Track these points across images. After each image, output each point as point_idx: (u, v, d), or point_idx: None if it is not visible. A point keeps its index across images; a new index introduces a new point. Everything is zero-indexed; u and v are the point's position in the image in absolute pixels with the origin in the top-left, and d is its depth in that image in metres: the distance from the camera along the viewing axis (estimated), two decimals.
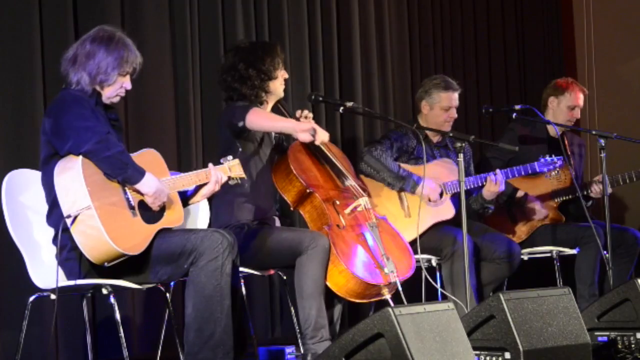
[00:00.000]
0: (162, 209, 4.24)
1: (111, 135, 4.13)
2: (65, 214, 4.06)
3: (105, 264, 4.12)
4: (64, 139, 4.10)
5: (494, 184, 5.72)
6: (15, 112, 5.02)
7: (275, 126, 4.90)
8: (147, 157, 4.34)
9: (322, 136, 4.87)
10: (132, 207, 4.14)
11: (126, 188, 4.14)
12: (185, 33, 5.76)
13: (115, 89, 4.33)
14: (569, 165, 6.08)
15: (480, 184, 5.76)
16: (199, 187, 4.45)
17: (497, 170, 5.76)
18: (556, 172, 5.89)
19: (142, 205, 4.18)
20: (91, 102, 4.24)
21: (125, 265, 4.15)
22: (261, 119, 4.84)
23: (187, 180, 4.36)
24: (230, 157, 4.52)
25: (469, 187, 5.75)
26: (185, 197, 4.46)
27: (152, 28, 5.54)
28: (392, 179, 5.68)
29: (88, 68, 4.24)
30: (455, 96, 5.90)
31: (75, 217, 4.04)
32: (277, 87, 5.08)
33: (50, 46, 5.15)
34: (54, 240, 4.18)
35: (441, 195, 5.72)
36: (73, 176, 4.06)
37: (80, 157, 4.06)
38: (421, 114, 5.93)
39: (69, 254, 4.16)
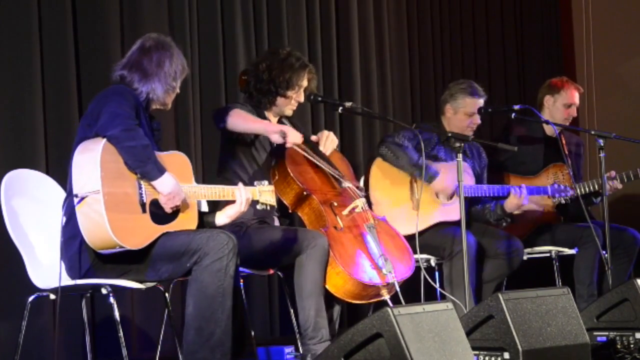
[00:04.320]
0: (176, 212, 4.24)
1: (140, 129, 4.12)
2: (74, 193, 4.07)
3: (102, 251, 4.12)
4: (97, 119, 4.11)
5: (518, 197, 5.71)
6: (14, 112, 5.03)
7: (248, 128, 4.92)
8: (174, 159, 4.32)
9: (293, 138, 4.88)
10: (143, 203, 4.14)
11: (142, 182, 4.14)
12: (185, 34, 5.76)
13: (175, 94, 4.41)
14: (566, 165, 6.08)
15: (499, 194, 5.75)
16: (214, 207, 4.41)
17: (522, 185, 5.75)
18: (564, 200, 5.93)
19: (156, 204, 4.18)
20: (139, 103, 4.25)
21: (126, 257, 4.15)
22: (236, 121, 4.86)
23: (208, 191, 4.33)
24: (265, 182, 4.48)
25: (488, 194, 5.74)
26: (205, 214, 4.45)
27: (150, 29, 5.51)
28: (410, 166, 5.64)
29: (162, 78, 4.29)
30: (480, 102, 5.85)
31: (83, 199, 4.04)
32: (284, 105, 5.08)
33: (49, 46, 5.15)
34: (65, 227, 4.17)
35: (452, 196, 5.71)
36: (91, 158, 4.05)
37: (104, 140, 4.06)
38: (445, 117, 5.89)
39: (78, 248, 4.15)
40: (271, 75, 5.03)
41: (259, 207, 4.48)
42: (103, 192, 4.01)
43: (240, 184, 4.40)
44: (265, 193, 4.45)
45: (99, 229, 4.03)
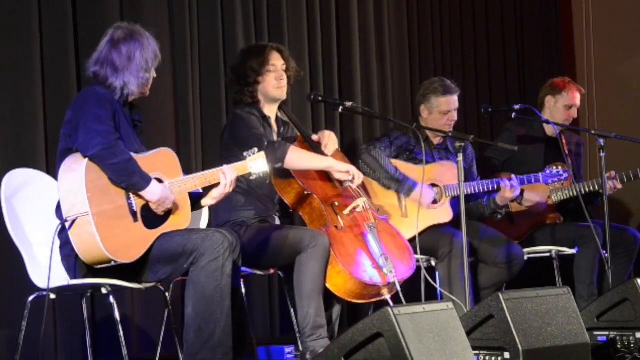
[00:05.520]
0: (168, 212, 4.23)
1: (120, 142, 4.12)
2: (64, 216, 4.07)
3: (100, 266, 4.12)
4: (77, 136, 4.11)
5: (508, 190, 5.68)
6: (15, 112, 5.03)
7: (313, 166, 4.96)
8: (161, 157, 4.32)
9: (359, 179, 4.98)
10: (134, 213, 4.14)
11: (130, 193, 4.14)
12: (185, 34, 5.76)
13: (150, 82, 4.37)
14: (567, 164, 6.07)
15: (491, 189, 5.73)
16: (209, 188, 4.39)
17: (512, 176, 5.72)
18: (560, 184, 5.89)
19: (147, 207, 4.18)
20: (115, 103, 4.24)
21: (123, 267, 4.15)
22: (300, 161, 4.88)
23: (197, 181, 4.31)
24: (255, 150, 4.43)
25: (480, 190, 5.73)
26: (196, 198, 4.42)
27: (151, 28, 5.51)
28: (388, 180, 5.67)
29: (134, 71, 4.26)
30: (453, 99, 5.86)
31: (74, 221, 4.05)
32: (267, 89, 5.07)
33: (49, 46, 5.15)
34: (60, 235, 4.18)
35: (435, 202, 5.71)
36: (75, 179, 4.06)
37: (86, 160, 4.06)
38: (421, 118, 5.90)
39: (72, 251, 4.16)
40: (235, 72, 5.09)
41: (252, 178, 4.45)
42: (92, 212, 4.02)
43: (225, 165, 4.36)
44: (256, 162, 4.39)
45: (94, 248, 4.04)
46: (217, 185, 4.35)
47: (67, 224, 4.06)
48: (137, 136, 4.37)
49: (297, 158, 4.87)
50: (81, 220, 4.04)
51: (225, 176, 4.32)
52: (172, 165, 4.34)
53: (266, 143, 4.84)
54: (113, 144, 4.08)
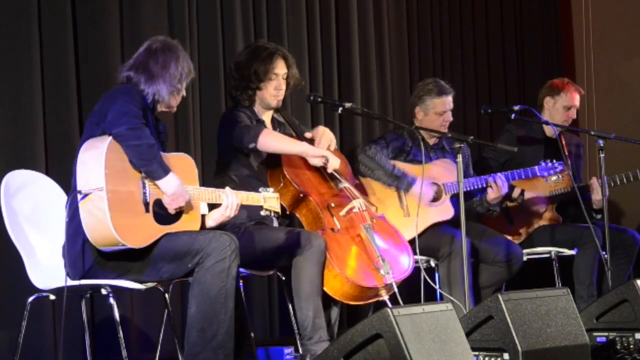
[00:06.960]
0: (179, 213, 4.23)
1: (146, 128, 4.13)
2: (78, 189, 4.07)
3: (104, 249, 4.12)
4: (104, 117, 4.12)
5: (497, 189, 5.70)
6: (14, 113, 5.02)
7: (287, 149, 4.95)
8: (179, 161, 4.32)
9: (334, 164, 4.98)
10: (146, 203, 4.14)
11: (146, 182, 4.14)
12: (185, 34, 5.76)
13: (180, 96, 4.40)
14: (567, 166, 6.07)
15: (480, 186, 5.74)
16: (211, 208, 4.39)
17: (499, 174, 5.75)
18: (557, 177, 5.90)
19: (159, 204, 4.17)
20: (147, 102, 4.26)
21: (127, 255, 4.15)
22: (273, 142, 4.89)
23: (211, 195, 4.32)
24: (271, 190, 4.46)
25: (469, 189, 5.74)
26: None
27: (150, 30, 5.52)
28: (387, 177, 5.67)
29: (167, 80, 4.30)
30: (448, 100, 5.86)
31: (86, 195, 4.04)
32: (264, 97, 5.07)
33: (49, 46, 5.15)
34: (69, 223, 4.17)
35: (436, 199, 5.71)
36: (96, 155, 4.06)
37: (110, 138, 4.07)
38: (416, 119, 5.90)
39: (71, 251, 4.15)
40: (240, 72, 5.05)
41: (262, 212, 4.46)
42: (107, 189, 4.02)
43: (228, 188, 4.36)
44: (269, 200, 4.44)
45: (102, 226, 4.03)
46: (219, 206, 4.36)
47: (79, 196, 4.05)
48: (160, 145, 4.36)
49: (271, 140, 4.88)
50: (94, 196, 4.03)
51: (227, 198, 4.32)
52: (190, 172, 4.33)
53: (242, 125, 4.83)
54: (139, 126, 4.09)
